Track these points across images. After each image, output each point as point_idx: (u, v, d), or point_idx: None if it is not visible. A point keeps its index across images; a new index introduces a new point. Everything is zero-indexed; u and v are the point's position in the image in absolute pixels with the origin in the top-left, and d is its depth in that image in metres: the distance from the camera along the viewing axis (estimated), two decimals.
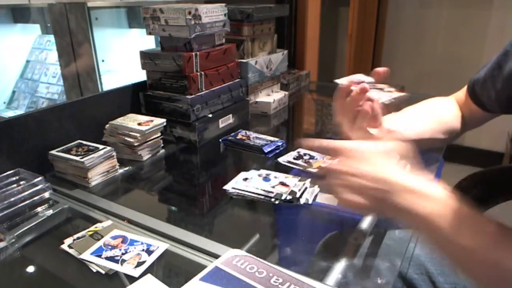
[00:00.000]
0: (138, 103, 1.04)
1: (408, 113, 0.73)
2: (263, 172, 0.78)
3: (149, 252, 0.56)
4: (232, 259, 0.52)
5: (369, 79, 0.65)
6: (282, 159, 0.86)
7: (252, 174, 0.78)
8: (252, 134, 1.00)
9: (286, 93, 1.31)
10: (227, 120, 1.07)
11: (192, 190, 0.84)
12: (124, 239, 0.59)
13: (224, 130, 1.06)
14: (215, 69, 1.03)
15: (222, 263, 0.51)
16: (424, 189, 0.46)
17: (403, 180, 0.47)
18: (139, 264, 0.54)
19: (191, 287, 0.47)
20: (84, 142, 0.84)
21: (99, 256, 0.56)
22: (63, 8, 1.73)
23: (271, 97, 1.26)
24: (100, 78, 1.83)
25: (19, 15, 2.22)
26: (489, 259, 0.40)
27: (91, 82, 1.82)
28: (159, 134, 0.93)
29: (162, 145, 0.95)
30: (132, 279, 0.52)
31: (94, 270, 0.54)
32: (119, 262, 0.54)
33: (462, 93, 0.77)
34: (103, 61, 1.83)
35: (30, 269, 0.57)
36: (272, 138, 0.97)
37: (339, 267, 0.53)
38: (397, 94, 0.63)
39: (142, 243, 0.58)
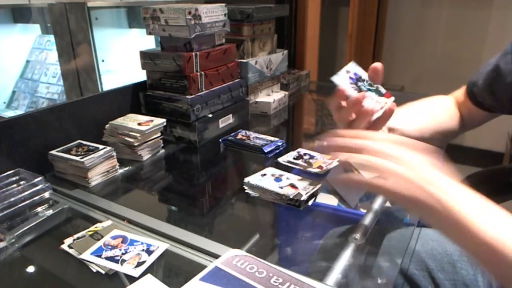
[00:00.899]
0: (138, 103, 1.04)
1: (409, 111, 0.73)
2: (277, 172, 0.78)
3: (149, 252, 0.56)
4: (232, 259, 0.52)
5: (364, 73, 0.64)
6: (282, 159, 0.86)
7: (268, 171, 0.78)
8: (252, 134, 1.00)
9: (286, 93, 1.31)
10: (227, 120, 1.07)
11: (192, 190, 0.84)
12: (124, 239, 0.59)
13: (224, 130, 1.06)
14: (215, 69, 1.03)
15: (222, 263, 0.51)
16: (453, 184, 0.45)
17: (433, 171, 0.45)
18: (139, 264, 0.54)
19: (191, 287, 0.47)
20: (84, 142, 0.84)
21: (99, 256, 0.56)
22: (63, 8, 1.73)
23: (271, 97, 1.26)
24: (100, 78, 1.83)
25: (19, 15, 2.22)
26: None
27: (91, 82, 1.82)
28: (159, 134, 0.93)
29: (162, 145, 0.95)
30: (132, 279, 0.52)
31: (94, 270, 0.54)
32: (119, 262, 0.54)
33: (460, 93, 0.77)
34: (103, 61, 1.83)
35: (30, 269, 0.57)
36: (272, 138, 0.97)
37: (339, 267, 0.53)
38: (389, 101, 0.62)
39: (142, 243, 0.58)
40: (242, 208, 0.75)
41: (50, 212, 0.69)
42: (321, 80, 1.81)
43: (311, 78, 1.61)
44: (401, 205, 0.49)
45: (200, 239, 0.60)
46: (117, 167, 0.83)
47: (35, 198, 0.71)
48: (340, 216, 0.68)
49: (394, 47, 2.34)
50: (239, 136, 0.99)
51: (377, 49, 2.30)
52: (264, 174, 0.76)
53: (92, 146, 0.81)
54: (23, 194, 0.70)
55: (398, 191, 0.46)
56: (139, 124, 0.89)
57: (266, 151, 0.91)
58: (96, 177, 0.78)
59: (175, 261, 0.57)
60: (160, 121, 0.92)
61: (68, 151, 0.80)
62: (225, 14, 1.04)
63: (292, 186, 0.72)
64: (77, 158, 0.76)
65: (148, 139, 0.90)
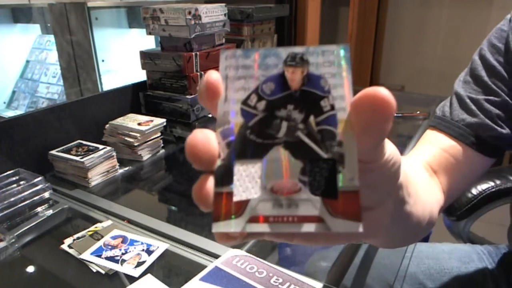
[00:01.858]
0: (138, 103, 1.04)
1: None
2: None
3: (149, 252, 0.56)
4: (232, 259, 0.52)
5: None
6: None
7: None
8: None
9: None
10: None
11: (192, 190, 0.84)
12: (124, 239, 0.59)
13: None
14: (215, 69, 1.03)
15: (222, 263, 0.51)
16: None
17: None
18: (139, 264, 0.54)
19: (191, 287, 0.47)
20: (84, 142, 0.83)
21: (99, 256, 0.56)
22: (63, 8, 1.73)
23: None
24: (100, 78, 1.83)
25: (19, 15, 2.22)
26: None
27: (91, 82, 1.82)
28: (159, 134, 0.93)
29: (162, 145, 0.95)
30: (132, 279, 0.52)
31: (94, 270, 0.54)
32: (119, 262, 0.54)
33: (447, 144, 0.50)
34: (103, 61, 1.83)
35: (30, 269, 0.57)
36: None
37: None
38: None
39: (142, 243, 0.58)
40: None
41: (50, 212, 0.69)
42: None
43: None
44: None
45: (200, 239, 0.60)
46: (117, 167, 0.83)
47: (35, 198, 0.71)
48: None
49: (394, 47, 2.34)
50: None
51: (377, 49, 2.30)
52: None
53: (92, 146, 0.81)
54: (23, 194, 0.70)
55: None
56: (139, 124, 0.89)
57: None
58: (96, 177, 0.78)
59: (175, 261, 0.57)
60: (160, 121, 0.92)
61: (68, 151, 0.80)
62: (225, 14, 1.04)
63: None
64: (77, 158, 0.76)
65: (148, 139, 0.90)
